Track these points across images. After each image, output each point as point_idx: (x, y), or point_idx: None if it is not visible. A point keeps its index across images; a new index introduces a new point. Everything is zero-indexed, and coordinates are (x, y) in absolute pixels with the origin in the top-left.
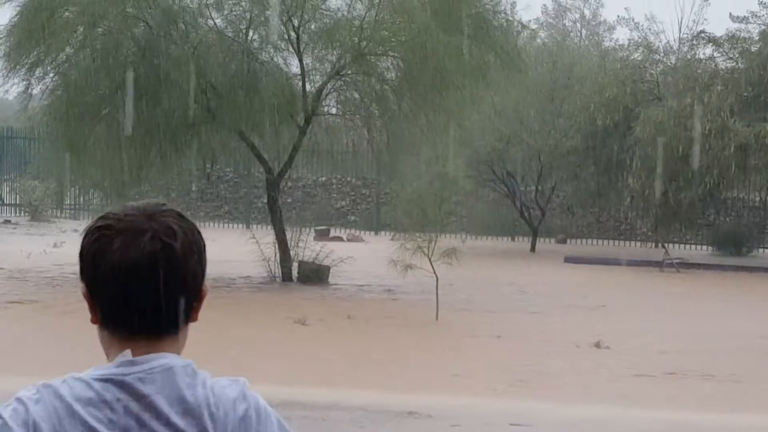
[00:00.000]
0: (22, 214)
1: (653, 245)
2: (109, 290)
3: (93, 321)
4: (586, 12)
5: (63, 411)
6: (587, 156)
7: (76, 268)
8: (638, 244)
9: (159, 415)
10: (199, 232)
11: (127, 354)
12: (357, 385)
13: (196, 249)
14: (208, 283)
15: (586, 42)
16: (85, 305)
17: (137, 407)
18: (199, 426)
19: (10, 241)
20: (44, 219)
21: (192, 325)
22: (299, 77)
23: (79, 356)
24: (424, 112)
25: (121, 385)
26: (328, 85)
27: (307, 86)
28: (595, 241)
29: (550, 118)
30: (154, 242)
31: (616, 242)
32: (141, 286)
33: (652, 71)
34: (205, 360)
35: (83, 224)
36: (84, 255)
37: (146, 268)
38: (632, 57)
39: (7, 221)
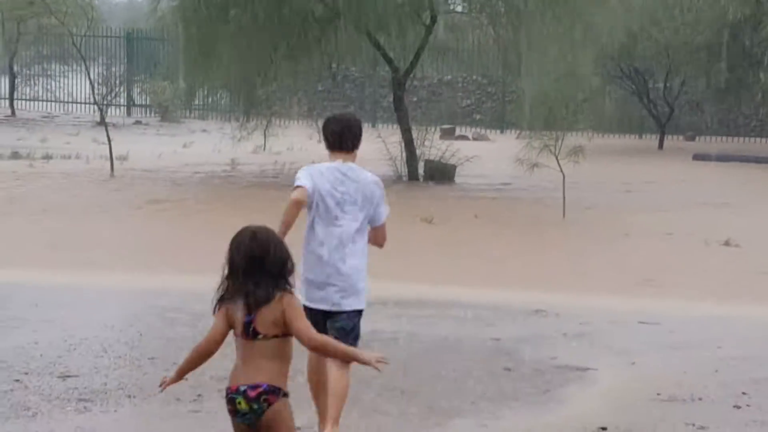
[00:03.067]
0: (152, 115)
1: None
2: (333, 131)
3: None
4: None
5: (318, 168)
6: (717, 51)
7: (206, 167)
8: None
9: (347, 176)
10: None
11: (339, 160)
12: (484, 284)
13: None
14: None
15: None
16: (214, 204)
17: (341, 172)
18: (358, 180)
19: (142, 141)
20: (174, 120)
21: None
22: None
23: (213, 250)
24: (551, 8)
25: (337, 167)
26: None
27: None
28: (724, 139)
29: (679, 13)
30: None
31: (747, 139)
32: (346, 132)
33: None
34: None
35: (212, 125)
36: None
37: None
38: None
39: (138, 122)
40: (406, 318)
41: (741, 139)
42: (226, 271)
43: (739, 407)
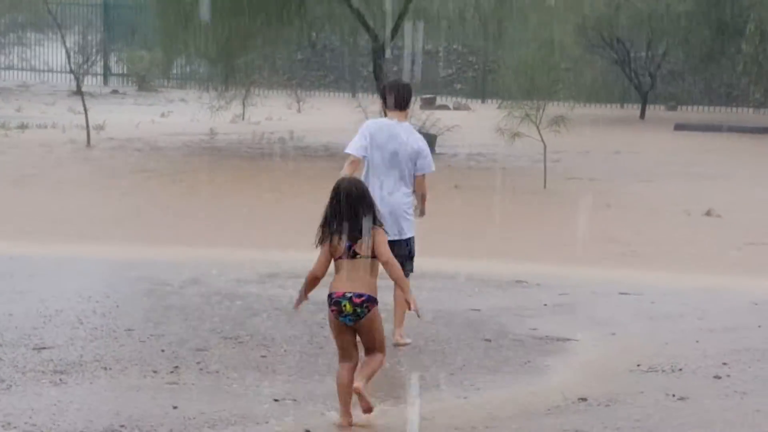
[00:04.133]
0: (130, 84)
1: (766, 111)
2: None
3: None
4: None
5: (378, 123)
6: (699, 20)
7: (184, 137)
8: (750, 110)
9: (397, 130)
10: None
11: (394, 118)
12: (465, 254)
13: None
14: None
15: None
16: (192, 174)
17: (391, 128)
18: (407, 134)
19: (119, 111)
20: (151, 89)
21: (302, 195)
22: None
23: (191, 220)
24: None
25: (393, 123)
26: None
27: None
28: (706, 108)
29: None
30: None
31: (728, 109)
32: (401, 93)
33: None
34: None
35: (190, 94)
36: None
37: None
38: None
39: (115, 91)
40: (386, 290)
41: (722, 108)
42: (328, 213)
43: (719, 378)
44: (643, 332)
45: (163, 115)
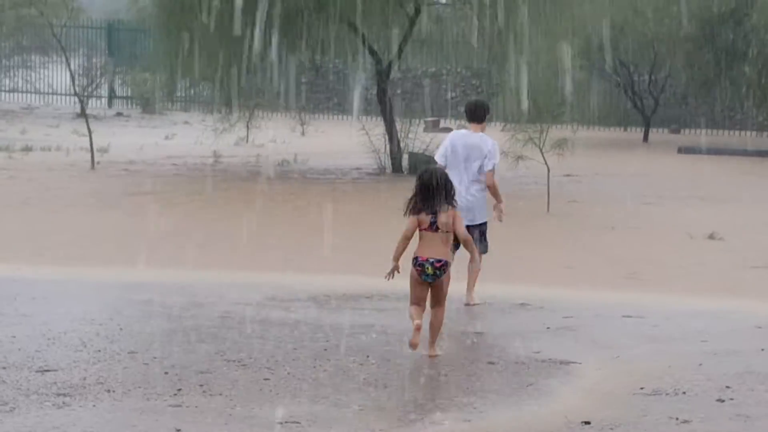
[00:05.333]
0: (134, 107)
1: None
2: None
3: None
4: None
5: (460, 132)
6: (702, 44)
7: (188, 160)
8: (754, 134)
9: (473, 138)
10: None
11: (468, 128)
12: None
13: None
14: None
15: None
16: (195, 197)
17: (468, 138)
18: (480, 141)
19: (123, 133)
20: (155, 112)
21: (306, 217)
22: None
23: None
24: (535, 0)
25: (469, 133)
26: None
27: None
28: (709, 131)
29: (663, 5)
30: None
31: (731, 132)
32: (479, 109)
33: None
34: (314, 249)
35: (194, 117)
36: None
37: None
38: None
39: (119, 114)
40: (390, 312)
41: (726, 132)
42: (416, 192)
43: (722, 401)
44: (646, 355)
45: (167, 137)
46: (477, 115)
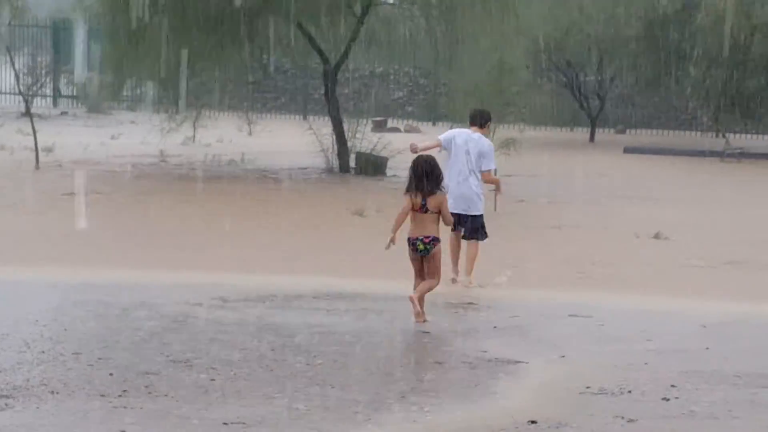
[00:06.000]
0: (80, 106)
1: (714, 135)
2: (471, 114)
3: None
4: None
5: (460, 131)
6: (647, 45)
7: (134, 159)
8: (698, 134)
9: (473, 138)
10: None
11: (471, 129)
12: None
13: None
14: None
15: None
16: (142, 196)
17: (470, 136)
18: (478, 142)
19: (69, 133)
20: (101, 111)
21: (253, 217)
22: None
23: (139, 243)
24: (482, 0)
25: (470, 133)
26: None
27: None
28: (654, 132)
29: (609, 6)
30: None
31: (676, 132)
32: (478, 115)
33: None
34: (262, 248)
35: (140, 116)
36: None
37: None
38: None
39: (64, 113)
40: (339, 311)
41: (671, 132)
42: (410, 176)
43: (668, 400)
44: (592, 354)
45: (113, 137)
46: (477, 120)
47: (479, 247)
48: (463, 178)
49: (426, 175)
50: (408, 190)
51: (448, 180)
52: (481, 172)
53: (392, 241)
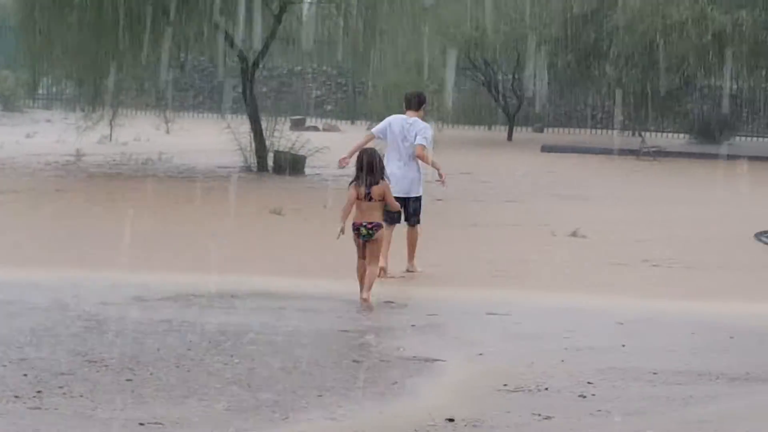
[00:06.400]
0: None
1: (630, 134)
2: (406, 97)
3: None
4: None
5: (396, 117)
6: (564, 44)
7: (50, 158)
8: (615, 132)
9: (408, 122)
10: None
11: (407, 114)
12: (334, 275)
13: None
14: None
15: None
16: (58, 195)
17: (406, 121)
18: (412, 124)
19: None
20: (16, 109)
21: (170, 216)
22: None
23: (55, 242)
24: None
25: (405, 118)
26: None
27: None
28: (571, 130)
29: (527, 5)
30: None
31: (593, 131)
32: (413, 98)
33: None
34: (179, 247)
35: (56, 115)
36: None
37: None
38: None
39: None
40: (256, 310)
41: (588, 130)
42: (356, 169)
43: (584, 397)
44: (510, 352)
45: (28, 135)
46: (413, 103)
47: (418, 232)
48: (404, 163)
49: (369, 167)
50: (353, 181)
51: (389, 166)
52: (415, 146)
53: (342, 231)
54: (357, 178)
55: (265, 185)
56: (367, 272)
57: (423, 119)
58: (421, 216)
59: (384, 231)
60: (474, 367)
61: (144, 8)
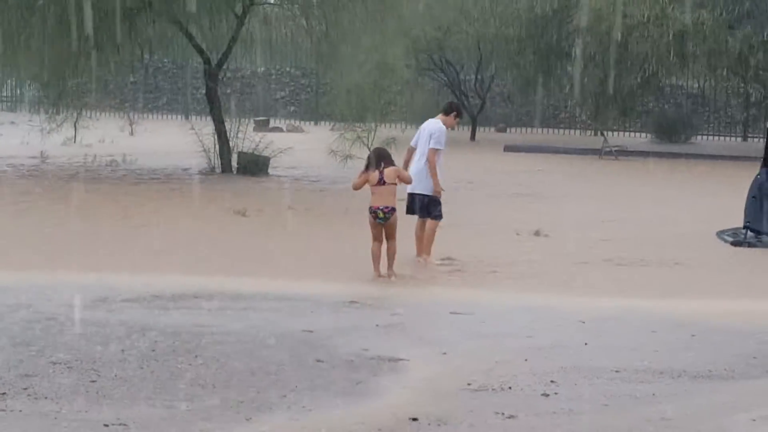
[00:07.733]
0: None
1: (592, 133)
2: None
3: None
4: None
5: (428, 120)
6: (526, 44)
7: (14, 161)
8: (577, 132)
9: (431, 123)
10: None
11: (437, 117)
12: (298, 275)
13: None
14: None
15: None
16: (22, 197)
17: (430, 121)
18: (434, 125)
19: None
20: None
21: (135, 217)
22: None
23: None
24: (362, 0)
25: (432, 120)
26: None
27: None
28: (534, 130)
29: (489, 6)
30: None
31: (556, 130)
32: (448, 105)
33: None
34: (143, 249)
35: (20, 117)
36: None
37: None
38: None
39: None
40: (219, 311)
41: (551, 130)
42: (367, 160)
43: (547, 395)
44: (473, 351)
45: None
46: (444, 107)
47: (435, 226)
48: (418, 158)
49: (379, 157)
50: (365, 170)
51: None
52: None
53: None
54: (367, 167)
55: (229, 186)
56: (387, 248)
57: (451, 126)
58: (440, 211)
59: (396, 217)
60: (437, 367)
61: (107, 10)
